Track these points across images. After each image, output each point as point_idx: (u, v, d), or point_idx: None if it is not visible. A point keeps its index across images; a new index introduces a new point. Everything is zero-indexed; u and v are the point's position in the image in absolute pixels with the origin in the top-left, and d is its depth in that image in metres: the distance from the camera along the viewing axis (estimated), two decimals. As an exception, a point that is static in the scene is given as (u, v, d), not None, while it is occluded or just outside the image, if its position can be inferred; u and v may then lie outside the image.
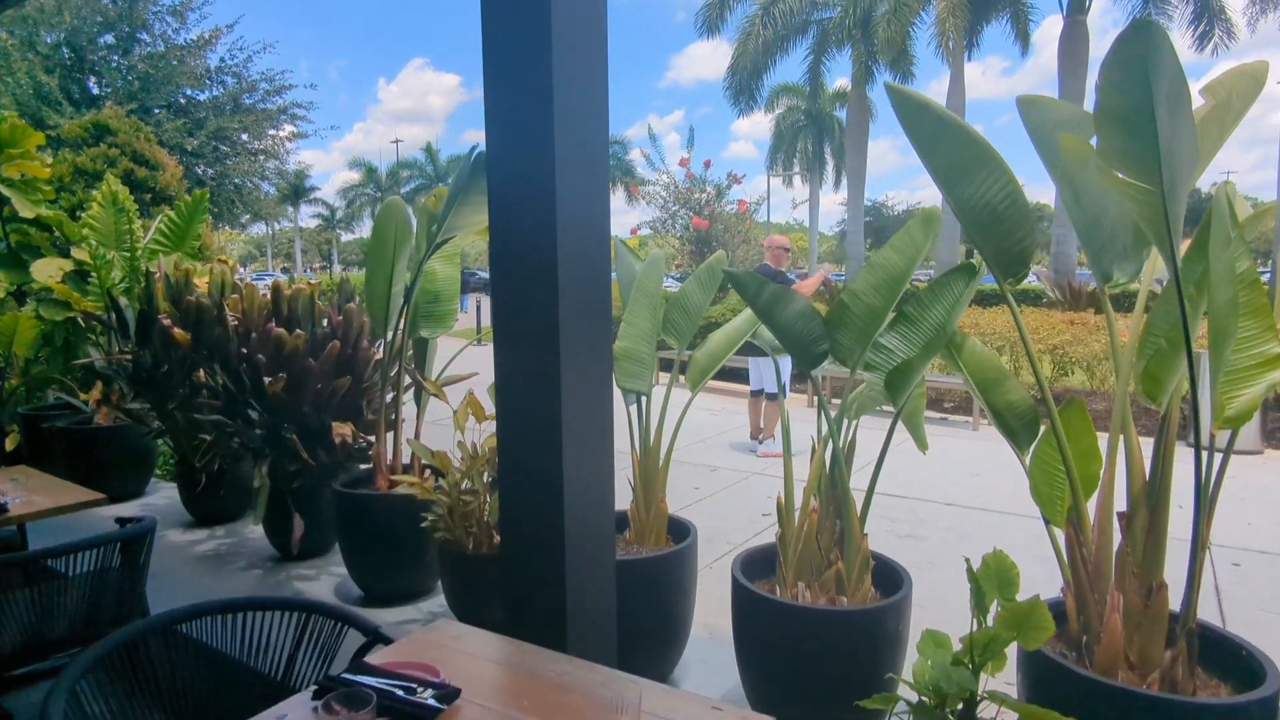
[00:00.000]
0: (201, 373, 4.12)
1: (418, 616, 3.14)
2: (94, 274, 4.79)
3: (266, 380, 3.28)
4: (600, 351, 2.11)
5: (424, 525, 2.93)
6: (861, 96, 23.11)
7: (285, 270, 59.93)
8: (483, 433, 2.95)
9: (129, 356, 4.19)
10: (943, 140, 2.02)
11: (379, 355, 3.69)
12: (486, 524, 2.85)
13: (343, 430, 3.33)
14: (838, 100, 34.29)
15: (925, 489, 5.20)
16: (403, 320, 3.32)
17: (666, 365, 9.45)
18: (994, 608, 1.83)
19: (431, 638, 1.64)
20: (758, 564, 2.46)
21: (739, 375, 10.14)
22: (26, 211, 5.37)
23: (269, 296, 3.65)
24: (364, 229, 62.43)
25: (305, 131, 17.97)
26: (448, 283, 3.34)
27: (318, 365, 3.41)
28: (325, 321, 3.64)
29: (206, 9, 13.78)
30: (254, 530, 4.28)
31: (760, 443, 7.32)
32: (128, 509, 4.66)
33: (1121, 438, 1.95)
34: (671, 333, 2.88)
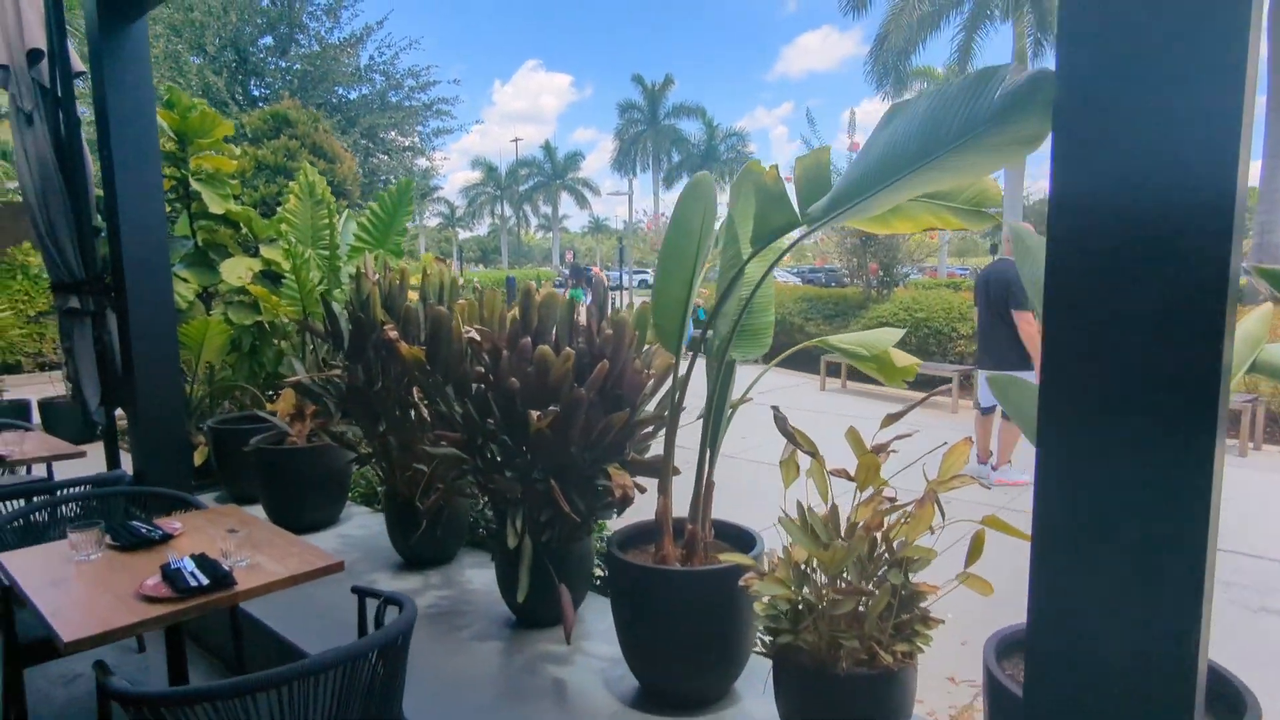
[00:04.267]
0: (416, 392, 3.48)
1: (735, 740, 2.32)
2: (289, 275, 4.28)
3: (534, 415, 2.54)
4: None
5: (765, 629, 2.11)
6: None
7: (409, 267, 62.08)
8: (835, 494, 2.09)
9: (337, 370, 3.61)
10: None
11: (650, 379, 2.91)
12: (867, 635, 1.99)
13: (623, 480, 2.56)
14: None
15: (1239, 537, 4.01)
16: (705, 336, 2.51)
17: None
18: None
19: None
20: None
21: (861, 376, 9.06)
22: (215, 207, 4.97)
23: (516, 304, 2.93)
24: (482, 227, 64.19)
25: (450, 127, 17.85)
26: (763, 287, 2.50)
27: (586, 394, 2.66)
28: (584, 338, 2.88)
29: (358, 6, 13.77)
30: (474, 578, 3.61)
31: (993, 469, 6.22)
32: (325, 540, 4.12)
33: None
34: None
